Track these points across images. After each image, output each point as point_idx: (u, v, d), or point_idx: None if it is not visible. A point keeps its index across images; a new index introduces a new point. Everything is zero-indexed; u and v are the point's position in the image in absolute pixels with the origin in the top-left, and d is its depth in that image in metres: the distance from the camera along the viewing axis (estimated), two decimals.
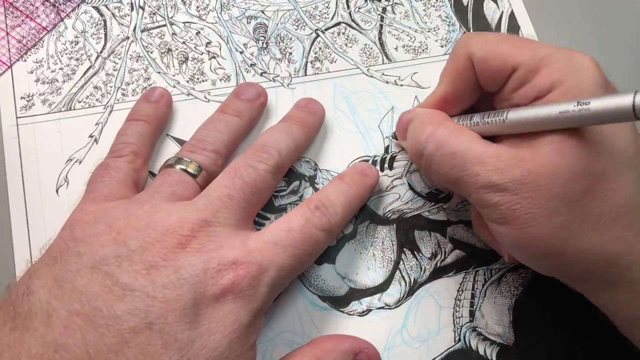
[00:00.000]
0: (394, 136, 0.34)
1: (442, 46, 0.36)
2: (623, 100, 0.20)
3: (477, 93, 0.28)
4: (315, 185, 0.32)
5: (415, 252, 0.32)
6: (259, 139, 0.30)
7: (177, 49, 0.34)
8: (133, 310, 0.22)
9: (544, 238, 0.23)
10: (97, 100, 0.33)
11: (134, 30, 0.35)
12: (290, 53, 0.35)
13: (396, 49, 0.36)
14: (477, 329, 0.31)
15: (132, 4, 0.35)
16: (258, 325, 0.25)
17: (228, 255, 0.24)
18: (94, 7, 0.35)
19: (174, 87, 0.34)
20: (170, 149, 0.32)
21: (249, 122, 0.32)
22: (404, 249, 0.32)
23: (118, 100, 0.33)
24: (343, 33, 0.36)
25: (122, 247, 0.23)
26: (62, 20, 0.34)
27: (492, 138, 0.26)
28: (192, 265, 0.23)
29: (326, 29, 0.36)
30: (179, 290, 0.23)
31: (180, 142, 0.32)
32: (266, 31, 0.36)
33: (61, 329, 0.21)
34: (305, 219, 0.27)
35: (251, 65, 0.35)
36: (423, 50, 0.36)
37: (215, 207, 0.26)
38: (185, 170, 0.28)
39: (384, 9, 0.37)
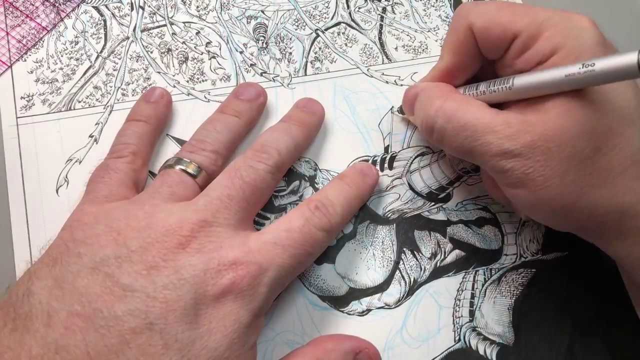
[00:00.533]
0: (400, 110, 0.34)
1: (441, 46, 0.36)
2: (627, 59, 0.21)
3: (479, 62, 0.29)
4: (315, 185, 0.32)
5: (415, 252, 0.32)
6: (258, 139, 0.30)
7: (177, 49, 0.34)
8: (133, 310, 0.22)
9: (558, 197, 0.24)
10: (97, 100, 0.33)
11: (134, 30, 0.35)
12: (290, 53, 0.35)
13: (396, 48, 0.36)
14: (477, 328, 0.31)
15: (132, 3, 0.35)
16: (258, 325, 0.25)
17: (228, 256, 0.24)
18: (94, 7, 0.35)
19: (174, 87, 0.34)
20: (170, 149, 0.32)
21: (249, 122, 0.32)
22: (404, 249, 0.32)
23: (118, 100, 0.33)
24: (343, 33, 0.36)
25: (123, 248, 0.23)
26: (62, 20, 0.34)
27: (499, 105, 0.27)
28: (192, 265, 0.23)
29: (326, 29, 0.36)
30: (179, 291, 0.23)
31: (180, 142, 0.32)
32: (266, 31, 0.36)
33: (62, 330, 0.21)
34: (305, 219, 0.27)
35: (251, 65, 0.35)
36: (423, 50, 0.36)
37: (215, 208, 0.26)
38: (184, 171, 0.28)
39: (384, 9, 0.37)
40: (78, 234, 0.24)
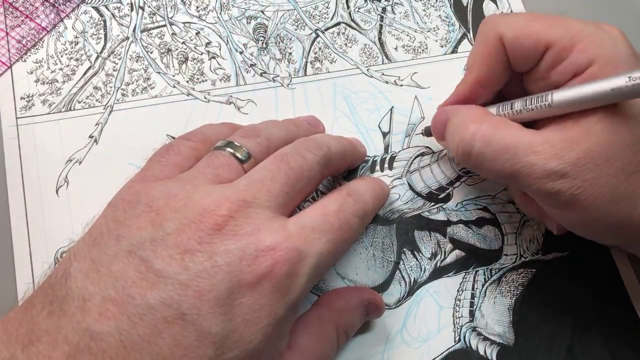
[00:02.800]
0: (426, 132, 0.33)
1: (441, 46, 0.36)
2: None
3: (508, 74, 0.28)
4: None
5: (415, 252, 0.32)
6: (309, 136, 0.29)
7: (177, 49, 0.34)
8: (166, 299, 0.21)
9: (609, 214, 0.24)
10: (97, 100, 0.33)
11: (134, 30, 0.35)
12: (290, 53, 0.35)
13: (396, 49, 0.36)
14: (477, 328, 0.31)
15: (131, 4, 0.35)
16: (293, 319, 0.24)
17: (266, 240, 0.23)
18: (93, 7, 0.35)
19: (174, 87, 0.34)
20: None
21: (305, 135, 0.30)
22: (404, 249, 0.32)
23: (118, 101, 0.33)
24: (343, 33, 0.36)
25: (159, 231, 0.22)
26: (61, 20, 0.34)
27: (532, 124, 0.26)
28: (228, 251, 0.22)
29: (326, 29, 0.36)
30: (213, 279, 0.21)
31: None
32: (266, 31, 0.36)
33: (96, 316, 0.21)
34: (339, 204, 0.26)
35: (251, 65, 0.35)
36: (423, 50, 0.36)
37: (256, 189, 0.24)
38: (233, 154, 0.26)
39: (384, 9, 0.37)
40: (119, 214, 0.24)
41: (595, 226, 0.25)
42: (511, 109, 0.27)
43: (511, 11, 0.37)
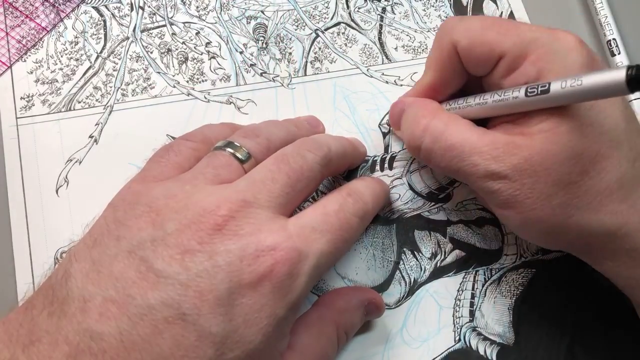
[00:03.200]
0: (388, 124, 0.34)
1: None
2: (614, 75, 0.21)
3: (463, 78, 0.29)
4: None
5: (415, 252, 0.32)
6: (309, 136, 0.29)
7: (176, 49, 0.34)
8: (166, 299, 0.21)
9: (545, 219, 0.25)
10: (97, 100, 0.33)
11: (134, 30, 0.35)
12: (290, 53, 0.35)
13: (396, 49, 0.36)
14: (477, 328, 0.31)
15: (131, 4, 0.35)
16: (293, 319, 0.24)
17: (267, 240, 0.23)
18: (93, 7, 0.35)
19: (174, 87, 0.34)
20: None
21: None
22: (404, 249, 0.32)
23: (118, 101, 0.33)
24: (343, 33, 0.36)
25: (159, 231, 0.22)
26: (61, 20, 0.34)
27: (485, 122, 0.27)
28: (228, 251, 0.22)
29: (326, 29, 0.36)
30: (213, 279, 0.21)
31: None
32: (266, 31, 0.36)
33: (96, 316, 0.21)
34: (339, 204, 0.26)
35: (251, 65, 0.35)
36: (423, 50, 0.36)
37: (257, 189, 0.24)
38: (233, 155, 0.26)
39: (384, 9, 0.37)
40: (120, 214, 0.24)
41: (534, 229, 0.26)
42: (459, 103, 0.28)
43: (511, 11, 0.37)
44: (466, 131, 0.26)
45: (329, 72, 0.35)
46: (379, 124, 0.34)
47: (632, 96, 0.35)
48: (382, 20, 0.37)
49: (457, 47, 0.27)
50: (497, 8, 0.38)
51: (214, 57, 0.35)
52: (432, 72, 0.29)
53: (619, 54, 0.36)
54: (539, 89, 0.23)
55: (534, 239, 0.28)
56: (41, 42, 0.34)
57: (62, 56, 0.34)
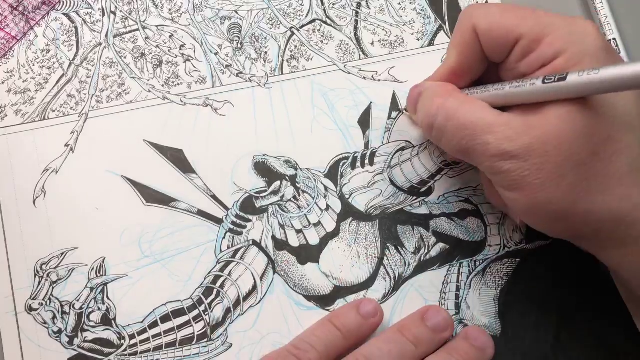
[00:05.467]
0: (406, 109, 0.34)
1: (418, 39, 0.36)
2: (631, 69, 0.21)
3: (484, 64, 0.28)
4: (297, 184, 0.32)
5: (399, 247, 0.32)
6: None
7: (150, 53, 0.34)
8: None
9: (554, 201, 0.24)
10: (71, 108, 0.32)
11: (106, 36, 0.34)
12: (266, 52, 0.35)
13: (372, 44, 0.36)
14: (463, 321, 0.31)
15: (103, 9, 0.35)
16: None
17: None
18: (64, 14, 0.34)
19: (149, 91, 0.33)
20: (146, 154, 0.32)
21: (356, 342, 0.29)
22: (388, 245, 0.32)
23: (93, 108, 0.33)
24: (318, 30, 0.36)
25: None
26: (31, 28, 0.34)
27: (502, 108, 0.27)
28: None
29: (301, 27, 0.36)
30: None
31: (157, 147, 0.32)
32: (240, 31, 0.35)
33: None
34: None
35: (227, 66, 0.34)
36: (399, 45, 0.36)
37: None
38: None
39: (359, 4, 0.37)
40: None
41: (541, 212, 0.25)
42: (477, 91, 0.28)
43: (486, 2, 0.37)
44: (481, 111, 0.26)
45: (305, 70, 0.35)
46: (358, 121, 0.34)
47: None
48: (357, 16, 0.36)
49: (477, 30, 0.27)
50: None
51: (188, 60, 0.34)
52: (454, 56, 0.29)
53: (619, 53, 0.36)
54: (557, 77, 0.23)
55: (540, 224, 0.27)
56: (12, 52, 0.33)
57: (34, 65, 0.33)
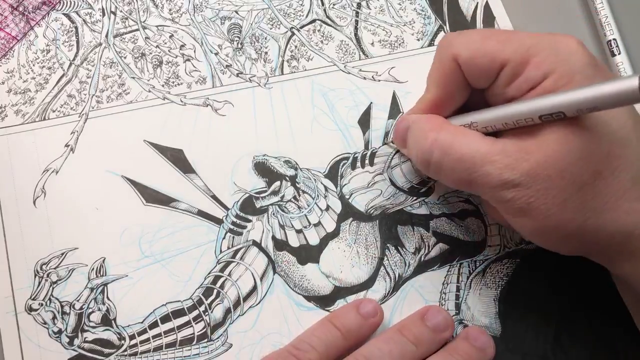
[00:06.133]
0: (393, 142, 0.33)
1: (418, 39, 0.36)
2: (627, 84, 0.21)
3: (467, 91, 0.28)
4: (297, 185, 0.32)
5: (399, 248, 0.32)
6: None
7: (150, 53, 0.34)
8: None
9: (562, 224, 0.24)
10: (71, 108, 0.32)
11: (106, 36, 0.34)
12: (266, 52, 0.35)
13: (372, 44, 0.36)
14: (463, 321, 0.31)
15: (103, 9, 0.35)
16: None
17: None
18: (64, 14, 0.34)
19: (149, 91, 0.33)
20: (146, 154, 0.32)
21: (356, 342, 0.29)
22: (388, 245, 0.32)
23: (93, 108, 0.33)
24: (318, 30, 0.36)
25: None
26: (32, 28, 0.34)
27: (494, 133, 0.26)
28: None
29: (301, 27, 0.36)
30: None
31: (157, 147, 0.32)
32: (240, 31, 0.35)
33: None
34: None
35: (227, 66, 0.34)
36: (399, 45, 0.36)
37: None
38: None
39: (359, 5, 0.37)
40: None
41: (551, 235, 0.25)
42: (466, 118, 0.27)
43: (487, 2, 0.37)
44: (476, 142, 0.25)
45: (306, 70, 0.35)
46: (358, 121, 0.34)
47: None
48: (357, 16, 0.36)
49: (459, 60, 0.26)
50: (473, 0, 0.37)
51: (188, 60, 0.34)
52: (435, 88, 0.28)
53: (619, 54, 0.36)
54: (554, 117, 0.23)
55: (550, 245, 0.27)
56: (12, 52, 0.33)
57: (34, 65, 0.33)
